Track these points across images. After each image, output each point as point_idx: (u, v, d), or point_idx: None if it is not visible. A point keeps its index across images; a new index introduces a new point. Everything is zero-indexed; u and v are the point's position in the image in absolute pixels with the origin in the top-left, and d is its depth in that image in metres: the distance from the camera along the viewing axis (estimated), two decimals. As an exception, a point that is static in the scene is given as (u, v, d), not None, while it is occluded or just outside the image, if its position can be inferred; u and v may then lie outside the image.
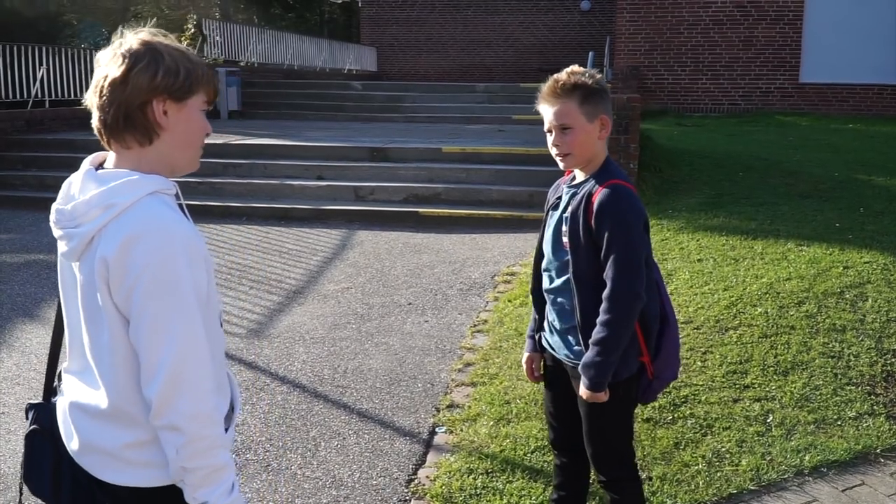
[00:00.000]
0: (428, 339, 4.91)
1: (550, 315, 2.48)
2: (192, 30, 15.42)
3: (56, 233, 1.58)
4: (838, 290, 5.00)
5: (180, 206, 1.62)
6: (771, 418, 3.70)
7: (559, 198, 2.43)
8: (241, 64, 16.51)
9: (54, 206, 1.58)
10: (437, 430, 3.75)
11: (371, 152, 9.57)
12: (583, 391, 2.30)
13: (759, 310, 4.76)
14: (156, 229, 1.48)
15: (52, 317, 1.79)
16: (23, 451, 1.72)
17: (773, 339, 4.42)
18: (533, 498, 3.11)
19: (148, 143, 1.57)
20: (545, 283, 2.48)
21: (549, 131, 2.33)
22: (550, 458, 3.17)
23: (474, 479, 3.26)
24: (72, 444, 1.63)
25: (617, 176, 2.31)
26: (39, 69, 11.31)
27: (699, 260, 5.87)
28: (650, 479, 3.25)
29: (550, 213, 2.46)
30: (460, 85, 16.97)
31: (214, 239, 7.43)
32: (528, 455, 3.42)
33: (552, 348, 2.50)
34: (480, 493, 3.16)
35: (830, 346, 4.33)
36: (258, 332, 5.06)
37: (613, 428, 2.43)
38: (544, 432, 3.40)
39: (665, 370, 2.41)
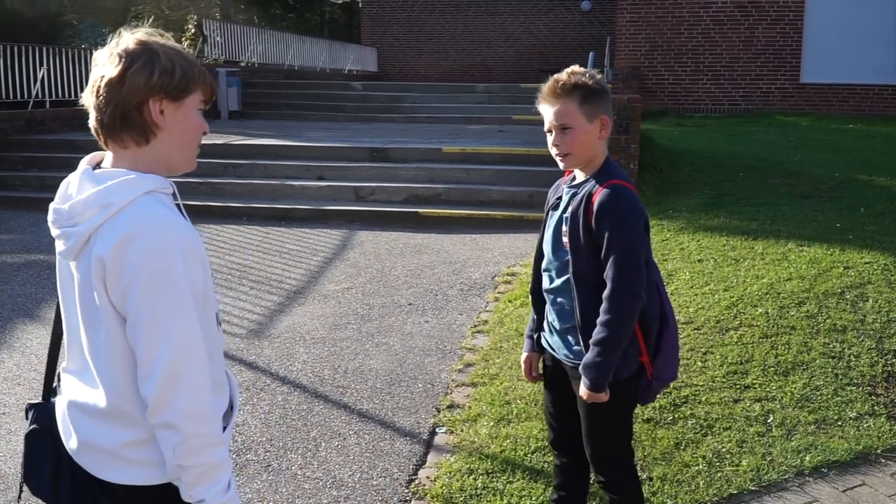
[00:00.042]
0: (428, 339, 4.91)
1: (550, 315, 2.48)
2: (193, 30, 15.43)
3: (54, 232, 1.58)
4: (839, 291, 5.00)
5: (178, 205, 1.62)
6: (771, 419, 3.70)
7: (559, 198, 2.43)
8: (242, 64, 16.51)
9: (52, 206, 1.59)
10: (437, 430, 3.75)
11: (371, 153, 9.57)
12: (583, 391, 2.30)
13: (760, 310, 4.76)
14: (152, 228, 1.49)
15: (52, 317, 1.79)
16: (23, 451, 1.72)
17: (773, 339, 4.42)
18: (533, 498, 3.11)
19: (145, 143, 1.58)
20: (545, 283, 2.48)
21: (549, 131, 2.33)
22: (551, 458, 3.16)
23: (475, 479, 3.25)
24: (70, 443, 1.63)
25: (617, 176, 2.31)
26: (40, 70, 11.31)
27: (700, 260, 5.87)
28: (651, 479, 3.24)
29: (550, 213, 2.46)
30: (461, 85, 16.98)
31: (215, 239, 7.43)
32: (529, 455, 3.42)
33: (552, 348, 2.50)
34: (481, 494, 3.15)
35: (831, 346, 4.33)
36: (259, 332, 5.06)
37: (612, 428, 2.43)
38: (545, 433, 3.40)
39: (664, 371, 2.41)
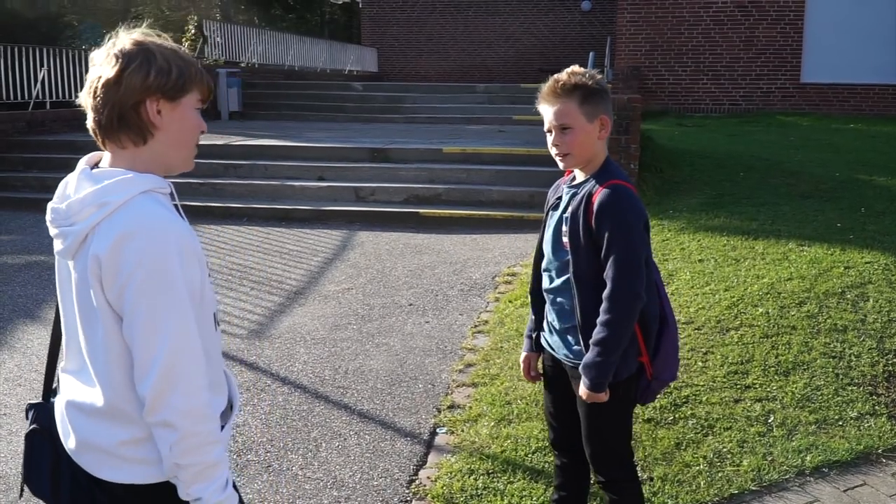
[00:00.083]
0: (429, 339, 4.91)
1: (550, 315, 2.48)
2: (193, 31, 15.44)
3: (52, 231, 1.58)
4: (839, 291, 5.00)
5: (175, 205, 1.63)
6: (772, 418, 3.69)
7: (559, 198, 2.43)
8: (242, 65, 16.51)
9: (50, 205, 1.59)
10: (437, 430, 3.75)
11: (372, 153, 9.58)
12: (583, 391, 2.30)
13: (761, 310, 4.76)
14: (148, 227, 1.49)
15: (53, 318, 1.80)
16: (23, 451, 1.72)
17: (774, 339, 4.42)
18: (534, 498, 3.11)
19: (142, 143, 1.58)
20: (545, 283, 2.48)
21: (549, 131, 2.33)
22: (551, 458, 3.16)
23: (475, 479, 3.25)
24: (69, 442, 1.63)
25: (617, 176, 2.31)
26: (40, 70, 11.32)
27: (700, 260, 5.86)
28: (651, 479, 3.24)
29: (550, 213, 2.46)
30: (461, 85, 16.98)
31: (215, 240, 7.43)
32: (529, 456, 3.42)
33: (551, 348, 2.50)
34: (481, 494, 3.15)
35: (832, 346, 4.33)
36: (259, 332, 5.06)
37: (612, 428, 2.43)
38: (545, 433, 3.39)
39: (664, 371, 2.41)
